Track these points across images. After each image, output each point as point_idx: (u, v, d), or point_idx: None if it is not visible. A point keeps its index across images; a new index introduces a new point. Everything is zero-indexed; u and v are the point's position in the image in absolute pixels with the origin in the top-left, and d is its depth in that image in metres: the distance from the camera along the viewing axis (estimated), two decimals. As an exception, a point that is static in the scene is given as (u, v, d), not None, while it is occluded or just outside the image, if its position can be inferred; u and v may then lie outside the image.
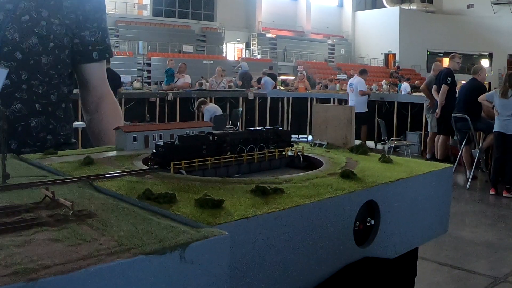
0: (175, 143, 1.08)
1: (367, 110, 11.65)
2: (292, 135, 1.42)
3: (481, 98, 7.74)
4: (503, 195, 7.40)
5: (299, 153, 1.32)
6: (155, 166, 1.07)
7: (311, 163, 1.30)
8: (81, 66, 1.82)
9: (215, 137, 1.15)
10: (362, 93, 11.49)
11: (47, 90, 1.66)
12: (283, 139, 1.32)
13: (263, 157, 1.25)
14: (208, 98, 12.12)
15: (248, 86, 14.92)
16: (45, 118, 1.67)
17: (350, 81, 12.22)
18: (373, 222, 1.04)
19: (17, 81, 1.57)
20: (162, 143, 1.07)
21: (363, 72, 12.15)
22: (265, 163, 1.26)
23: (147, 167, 1.09)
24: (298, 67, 22.23)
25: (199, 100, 10.90)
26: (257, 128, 1.30)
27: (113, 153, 1.28)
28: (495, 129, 7.41)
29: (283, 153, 1.30)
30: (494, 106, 7.52)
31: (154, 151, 1.09)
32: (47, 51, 1.63)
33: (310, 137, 13.33)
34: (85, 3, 1.74)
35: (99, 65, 1.86)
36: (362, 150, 1.38)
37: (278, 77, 20.04)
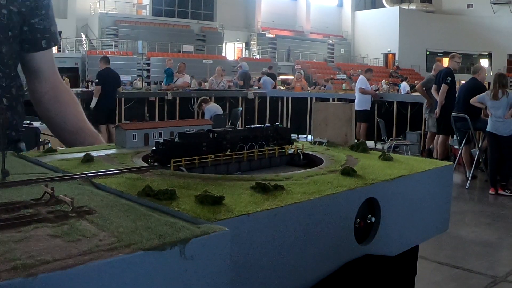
0: (175, 140, 1.08)
1: (368, 108, 11.61)
2: (292, 135, 1.42)
3: (472, 100, 7.73)
4: (499, 192, 7.41)
5: (299, 151, 1.32)
6: (155, 163, 1.07)
7: (311, 161, 1.29)
8: (30, 56, 1.72)
9: (215, 134, 1.15)
10: (362, 91, 11.49)
11: (9, 83, 1.60)
12: (283, 136, 1.32)
13: (263, 154, 1.24)
14: (208, 98, 12.13)
15: (248, 85, 14.90)
16: (11, 114, 1.61)
17: None
18: (373, 219, 1.03)
19: None
20: (162, 141, 1.07)
21: (367, 71, 12.20)
22: (265, 161, 1.26)
23: (147, 165, 1.09)
24: (296, 66, 21.84)
25: (201, 98, 10.88)
26: (257, 125, 1.29)
27: (113, 151, 1.28)
28: (488, 128, 7.43)
29: (283, 150, 1.30)
30: (486, 107, 7.54)
31: (154, 148, 1.09)
32: (5, 40, 1.56)
33: (309, 137, 13.33)
34: None
35: (49, 53, 1.76)
36: (362, 148, 1.37)
37: (277, 77, 20.05)
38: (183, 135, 1.09)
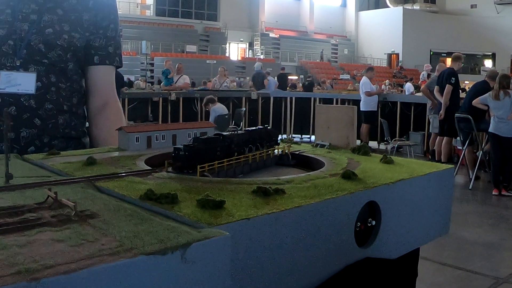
0: (196, 146, 1.09)
1: (374, 109, 11.52)
2: (295, 135, 1.45)
3: (475, 102, 7.72)
4: (502, 193, 7.40)
5: (287, 152, 1.36)
6: (176, 170, 1.08)
7: (301, 161, 1.34)
8: (87, 69, 1.89)
9: (225, 138, 1.17)
10: (368, 94, 11.42)
11: (71, 93, 1.81)
12: (272, 138, 1.36)
13: (263, 156, 1.27)
14: (215, 98, 12.12)
15: (259, 86, 14.84)
16: (69, 116, 1.80)
17: None
18: (374, 222, 1.04)
19: (47, 83, 1.72)
20: (182, 146, 1.07)
21: (368, 70, 12.08)
22: (260, 162, 1.28)
23: (149, 168, 1.10)
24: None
25: (208, 97, 10.81)
26: (253, 128, 1.32)
27: (116, 154, 1.29)
28: (490, 129, 7.42)
29: (274, 151, 1.33)
30: (488, 108, 7.53)
31: (173, 154, 1.08)
32: (69, 60, 1.78)
33: (313, 137, 13.34)
34: (97, 14, 1.87)
35: (104, 70, 1.91)
36: (363, 150, 1.38)
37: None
38: (199, 140, 1.10)
